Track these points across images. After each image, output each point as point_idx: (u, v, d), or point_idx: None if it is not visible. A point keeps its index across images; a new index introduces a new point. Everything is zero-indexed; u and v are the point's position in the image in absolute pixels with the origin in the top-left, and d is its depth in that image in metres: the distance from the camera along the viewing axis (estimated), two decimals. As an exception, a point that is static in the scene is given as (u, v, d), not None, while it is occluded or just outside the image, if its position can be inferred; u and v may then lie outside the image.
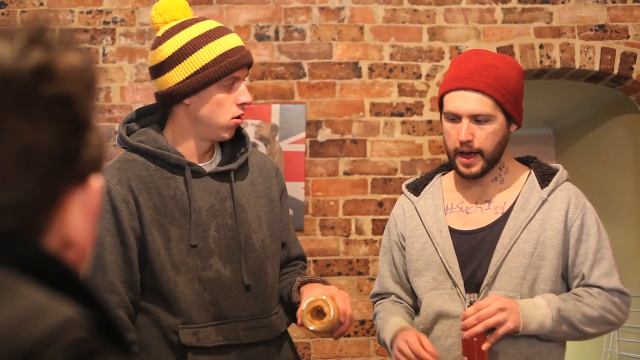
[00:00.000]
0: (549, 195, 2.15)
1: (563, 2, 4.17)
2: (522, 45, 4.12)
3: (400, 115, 4.06)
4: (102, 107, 4.02)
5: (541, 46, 4.13)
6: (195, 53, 1.98)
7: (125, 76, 4.04)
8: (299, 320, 1.92)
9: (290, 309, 2.10)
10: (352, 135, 4.05)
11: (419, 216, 2.24)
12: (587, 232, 2.13)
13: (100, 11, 4.07)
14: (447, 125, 2.15)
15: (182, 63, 1.98)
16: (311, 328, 1.91)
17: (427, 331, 2.15)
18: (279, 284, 2.15)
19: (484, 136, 2.10)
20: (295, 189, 3.94)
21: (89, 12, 4.07)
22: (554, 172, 2.21)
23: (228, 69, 1.98)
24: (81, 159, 0.76)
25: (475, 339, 1.99)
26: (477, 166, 2.12)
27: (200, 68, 1.97)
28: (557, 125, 7.07)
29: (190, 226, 1.97)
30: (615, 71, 4.12)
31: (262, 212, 2.10)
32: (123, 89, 4.04)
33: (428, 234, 2.20)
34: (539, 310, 2.03)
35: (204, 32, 2.00)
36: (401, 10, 4.13)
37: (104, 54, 4.05)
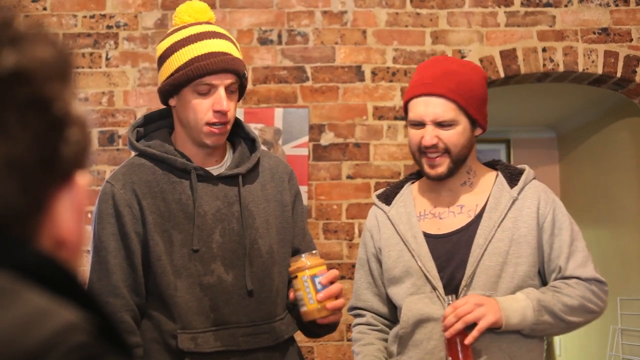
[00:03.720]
0: (519, 194, 2.19)
1: (566, 6, 4.16)
2: (525, 48, 4.12)
3: (403, 119, 4.05)
4: (106, 112, 4.02)
5: (544, 49, 4.12)
6: (174, 55, 1.99)
7: (128, 80, 4.05)
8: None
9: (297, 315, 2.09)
10: (355, 139, 4.05)
11: (393, 225, 2.26)
12: (559, 226, 2.17)
13: (104, 15, 4.08)
14: (411, 129, 2.19)
15: (165, 64, 2.01)
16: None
17: (409, 335, 2.16)
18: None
19: (448, 136, 2.14)
20: (299, 193, 3.94)
21: (92, 17, 4.08)
22: (520, 172, 2.25)
23: (195, 74, 1.95)
24: (63, 158, 0.74)
25: (457, 338, 2.02)
26: (443, 166, 2.16)
27: (175, 70, 1.98)
28: (560, 128, 7.06)
29: (193, 231, 1.97)
30: (619, 74, 4.12)
31: (272, 216, 2.09)
32: (126, 93, 4.04)
33: (403, 241, 2.22)
34: (519, 303, 2.07)
35: (188, 35, 2.00)
36: (404, 13, 4.13)
37: (107, 58, 4.05)
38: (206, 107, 1.97)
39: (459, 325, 2.00)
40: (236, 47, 2.05)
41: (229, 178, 2.05)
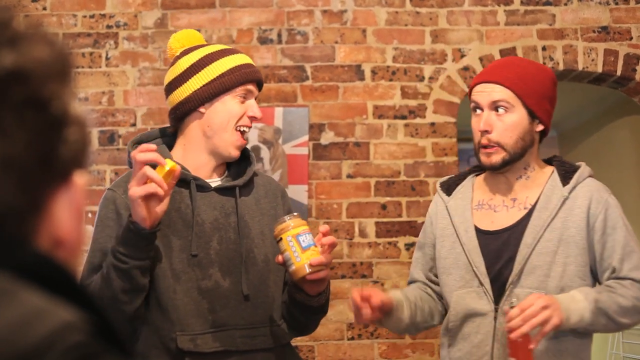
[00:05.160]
0: (570, 193, 2.19)
1: (566, 4, 4.16)
2: (524, 47, 4.12)
3: (403, 117, 4.06)
4: (106, 111, 4.02)
5: (544, 48, 4.12)
6: (213, 63, 2.09)
7: (128, 80, 4.05)
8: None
9: (291, 308, 2.10)
10: (355, 138, 4.05)
11: (449, 216, 2.31)
12: (612, 225, 2.16)
13: (103, 15, 4.08)
14: (472, 119, 2.25)
15: (200, 72, 2.08)
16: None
17: (457, 329, 2.23)
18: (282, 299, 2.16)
19: (503, 127, 2.17)
20: (299, 192, 3.94)
21: (92, 16, 4.08)
22: (575, 169, 2.24)
23: (243, 79, 2.08)
24: (61, 158, 0.74)
25: (520, 339, 2.01)
26: (497, 155, 2.18)
27: (217, 76, 2.07)
28: (560, 126, 7.06)
29: (192, 237, 2.01)
30: (619, 73, 4.12)
31: (267, 229, 2.12)
32: (126, 93, 4.04)
33: (456, 234, 2.27)
34: (578, 303, 2.07)
35: (220, 49, 2.13)
36: (404, 12, 4.13)
37: (107, 58, 4.05)
38: (242, 113, 2.09)
39: (525, 329, 1.99)
40: None
41: (226, 190, 2.10)
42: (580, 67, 4.12)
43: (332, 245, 1.98)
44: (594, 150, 6.33)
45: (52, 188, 0.74)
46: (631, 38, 4.14)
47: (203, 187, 2.07)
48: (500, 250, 2.20)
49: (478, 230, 2.25)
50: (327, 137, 4.05)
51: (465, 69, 4.08)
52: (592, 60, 4.12)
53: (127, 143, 2.16)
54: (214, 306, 2.00)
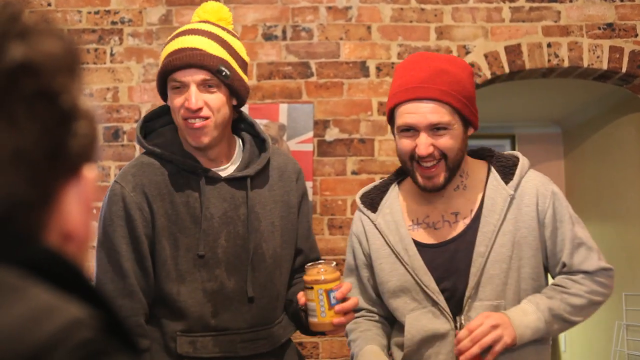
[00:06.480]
0: (515, 191, 2.06)
1: (571, 1, 4.15)
2: (530, 44, 4.11)
3: (408, 114, 4.06)
4: (110, 107, 4.02)
5: (549, 45, 4.11)
6: (161, 54, 2.00)
7: (133, 76, 4.05)
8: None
9: (296, 314, 2.07)
10: (360, 135, 4.05)
11: (382, 235, 2.11)
12: (560, 219, 2.06)
13: (108, 11, 4.08)
14: (401, 138, 2.03)
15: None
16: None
17: (414, 353, 2.06)
18: (289, 289, 2.12)
19: (444, 142, 1.99)
20: (303, 189, 3.94)
21: (97, 13, 4.08)
22: (514, 163, 2.10)
23: (163, 70, 1.95)
24: (70, 151, 0.74)
25: None
26: (440, 176, 2.02)
27: (159, 70, 1.98)
28: (565, 123, 7.05)
29: (199, 235, 1.95)
30: (624, 70, 4.11)
31: (277, 218, 2.06)
32: (131, 89, 4.04)
33: (395, 254, 2.08)
34: (530, 316, 1.98)
35: (173, 34, 2.00)
36: (409, 9, 4.12)
37: (112, 54, 4.05)
38: (179, 105, 1.94)
39: (475, 350, 1.91)
40: (222, 43, 1.98)
41: (237, 180, 2.01)
42: (585, 64, 4.11)
43: (354, 306, 1.97)
44: (598, 148, 6.32)
45: (62, 182, 0.74)
46: (636, 35, 4.13)
47: (213, 178, 1.99)
48: (449, 263, 2.03)
49: (419, 245, 2.06)
50: (332, 134, 4.05)
51: (471, 65, 4.07)
52: (598, 57, 4.11)
53: (138, 122, 2.09)
54: (217, 309, 1.95)
